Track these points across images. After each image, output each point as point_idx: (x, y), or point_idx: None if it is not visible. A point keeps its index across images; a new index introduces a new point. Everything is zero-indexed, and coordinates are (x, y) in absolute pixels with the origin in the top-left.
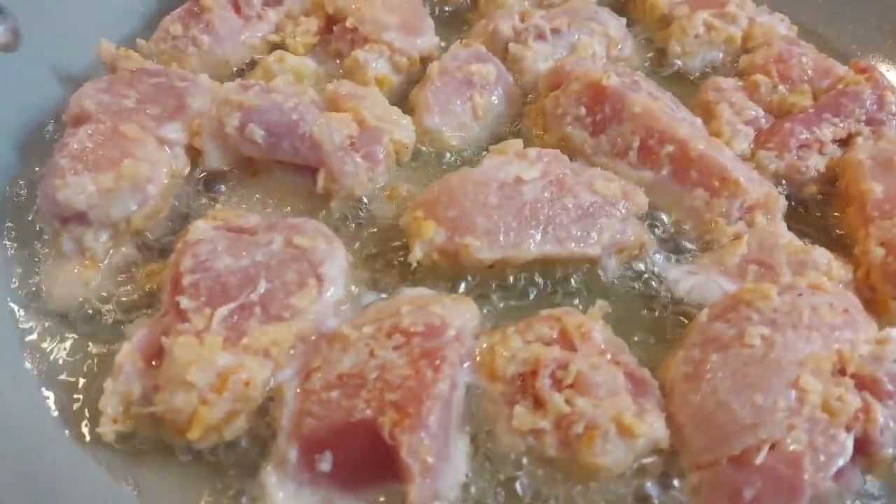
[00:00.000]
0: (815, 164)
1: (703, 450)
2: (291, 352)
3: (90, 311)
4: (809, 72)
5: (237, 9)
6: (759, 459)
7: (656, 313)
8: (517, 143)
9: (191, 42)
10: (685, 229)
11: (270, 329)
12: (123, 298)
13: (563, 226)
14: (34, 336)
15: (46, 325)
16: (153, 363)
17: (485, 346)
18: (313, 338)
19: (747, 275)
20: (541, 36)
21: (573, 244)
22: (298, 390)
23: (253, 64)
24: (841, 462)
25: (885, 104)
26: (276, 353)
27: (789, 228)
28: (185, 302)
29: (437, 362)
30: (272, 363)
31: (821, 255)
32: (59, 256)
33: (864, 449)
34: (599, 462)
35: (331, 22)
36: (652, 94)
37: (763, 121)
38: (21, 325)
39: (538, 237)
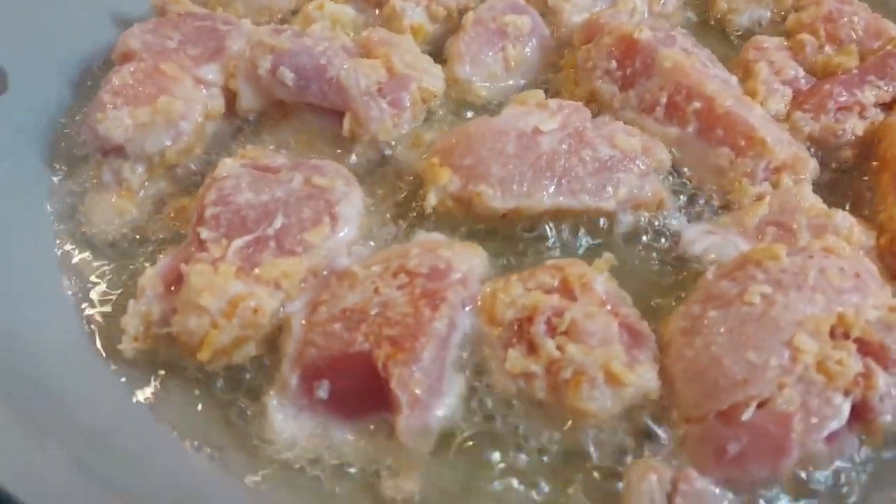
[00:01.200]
0: (853, 127)
1: (693, 404)
2: (302, 285)
3: (124, 239)
4: (860, 32)
5: None
6: (747, 416)
7: (668, 270)
8: (538, 94)
9: None
10: (708, 188)
11: (282, 262)
12: (156, 228)
13: (578, 178)
14: (74, 259)
15: (84, 249)
16: (172, 288)
17: (489, 293)
18: (325, 273)
19: (765, 236)
20: None
21: (587, 197)
22: (304, 321)
23: (296, 12)
24: (834, 425)
25: None
26: (287, 284)
27: (819, 192)
28: (204, 232)
29: (437, 302)
30: (282, 294)
31: (842, 219)
32: (100, 187)
33: (861, 415)
34: (585, 407)
35: None
36: (687, 49)
37: (803, 81)
38: (63, 248)
39: (552, 188)
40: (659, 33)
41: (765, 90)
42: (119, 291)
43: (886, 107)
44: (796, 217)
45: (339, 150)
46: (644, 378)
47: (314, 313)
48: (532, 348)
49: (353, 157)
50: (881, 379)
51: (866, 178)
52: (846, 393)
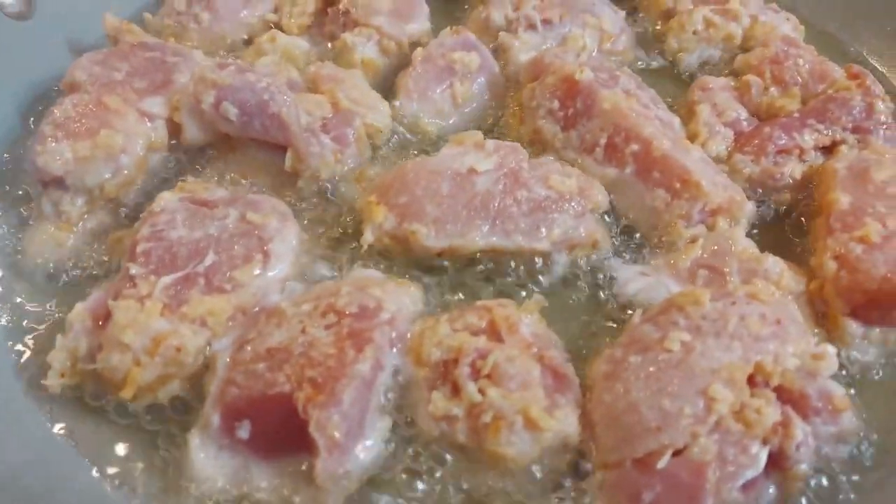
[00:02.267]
0: (792, 171)
1: (610, 449)
2: (230, 323)
3: (60, 271)
4: (805, 75)
5: None
6: (661, 464)
7: (602, 311)
8: (476, 135)
9: (192, 18)
10: (644, 229)
11: (209, 300)
12: (92, 262)
13: (511, 218)
14: (9, 291)
15: (21, 281)
16: (101, 324)
17: (417, 333)
18: (256, 310)
19: (696, 279)
20: (531, 26)
21: (520, 237)
22: (229, 360)
23: (250, 42)
24: (750, 474)
25: (874, 113)
26: (213, 322)
27: (756, 236)
28: (134, 268)
29: (362, 343)
30: (208, 332)
31: (773, 264)
32: (39, 217)
33: (778, 463)
34: (504, 452)
35: (327, 4)
36: (629, 90)
37: (745, 123)
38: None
39: (486, 228)
40: (602, 74)
41: (706, 132)
42: (48, 325)
43: (826, 150)
44: (728, 261)
45: (282, 185)
46: (563, 423)
47: (239, 352)
48: (455, 391)
49: (298, 192)
50: (798, 427)
51: (803, 219)
52: (764, 442)
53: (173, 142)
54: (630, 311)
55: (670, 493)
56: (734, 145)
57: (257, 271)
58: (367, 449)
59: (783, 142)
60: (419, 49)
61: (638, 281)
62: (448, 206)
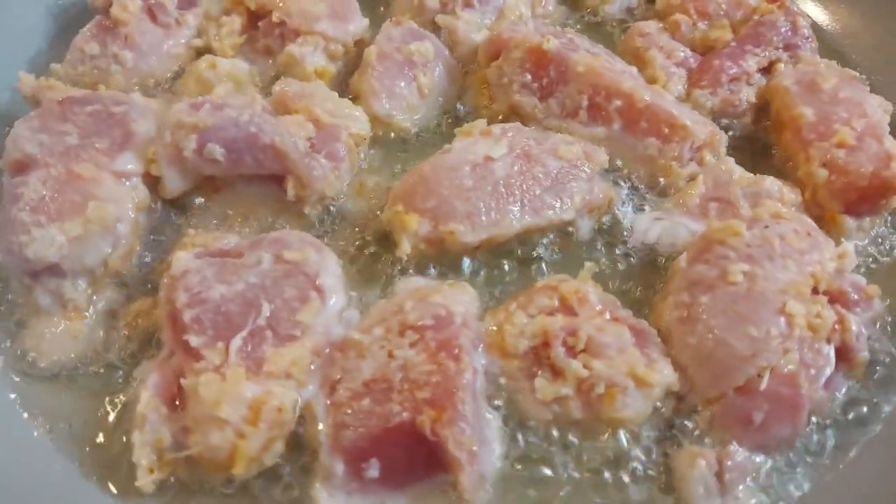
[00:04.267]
0: (747, 95)
1: (709, 386)
2: (312, 367)
3: (84, 364)
4: (724, 6)
5: (153, 17)
6: (763, 385)
7: (632, 263)
8: (480, 123)
9: (112, 60)
10: (643, 178)
11: (286, 350)
12: (118, 344)
13: (537, 196)
14: (34, 401)
15: (44, 387)
16: (176, 405)
17: (492, 326)
18: (327, 350)
19: (709, 212)
20: (468, 4)
21: (550, 212)
22: (328, 403)
23: (180, 73)
24: (828, 372)
25: (798, 28)
26: (297, 372)
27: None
28: (194, 340)
29: (455, 352)
30: (295, 383)
31: (770, 183)
32: (38, 313)
33: (844, 356)
34: (622, 416)
35: (254, 18)
36: (589, 50)
37: (692, 60)
38: (14, 393)
39: (517, 211)
40: (562, 39)
41: (664, 75)
42: (104, 422)
43: (765, 70)
44: (731, 190)
45: (282, 215)
46: (665, 374)
47: (334, 394)
48: (556, 372)
49: (303, 219)
50: (852, 321)
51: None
52: (829, 341)
53: (153, 197)
54: (653, 256)
55: (776, 408)
56: (689, 83)
57: (318, 309)
58: (494, 451)
59: (734, 70)
60: (371, 48)
61: (655, 226)
62: (476, 198)
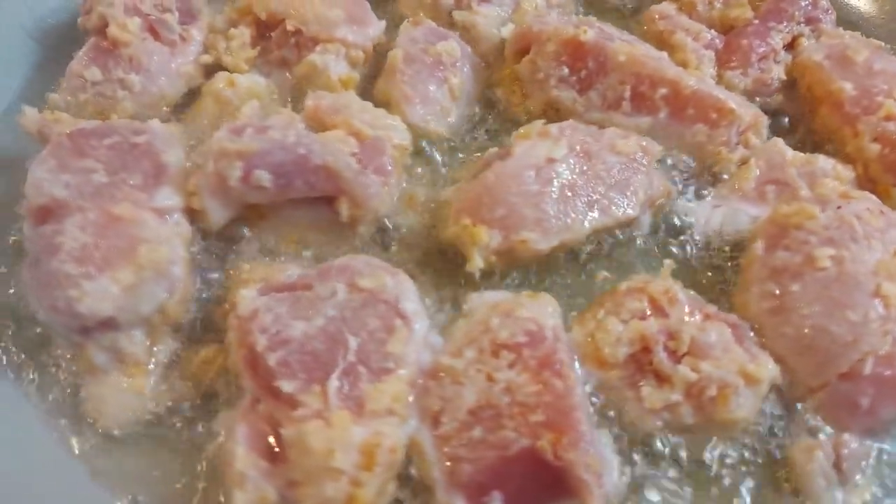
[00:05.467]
0: (778, 73)
1: (812, 375)
2: (410, 400)
3: (155, 423)
4: None
5: (156, 35)
6: (868, 370)
7: (698, 254)
8: (537, 124)
9: (118, 85)
10: (693, 166)
11: (384, 385)
12: (187, 396)
13: (603, 194)
14: (108, 472)
15: (116, 453)
16: (274, 457)
17: (585, 337)
18: (420, 380)
19: (767, 195)
20: None
21: (616, 210)
22: (434, 437)
23: (192, 93)
24: None
25: (818, 1)
26: (399, 408)
27: None
28: (286, 386)
29: (558, 367)
30: (398, 419)
31: (823, 161)
32: (93, 372)
33: None
34: (736, 416)
35: (263, 28)
36: (620, 38)
37: (718, 41)
38: (84, 465)
39: (586, 212)
40: (593, 28)
41: (695, 58)
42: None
43: (788, 46)
44: (787, 171)
45: (336, 238)
46: (769, 368)
47: (438, 427)
48: (662, 378)
49: (358, 239)
50: None
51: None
52: None
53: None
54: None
55: (882, 391)
56: (718, 64)
57: (406, 337)
58: (614, 468)
59: (763, 49)
60: (395, 51)
61: (716, 214)
62: (544, 203)
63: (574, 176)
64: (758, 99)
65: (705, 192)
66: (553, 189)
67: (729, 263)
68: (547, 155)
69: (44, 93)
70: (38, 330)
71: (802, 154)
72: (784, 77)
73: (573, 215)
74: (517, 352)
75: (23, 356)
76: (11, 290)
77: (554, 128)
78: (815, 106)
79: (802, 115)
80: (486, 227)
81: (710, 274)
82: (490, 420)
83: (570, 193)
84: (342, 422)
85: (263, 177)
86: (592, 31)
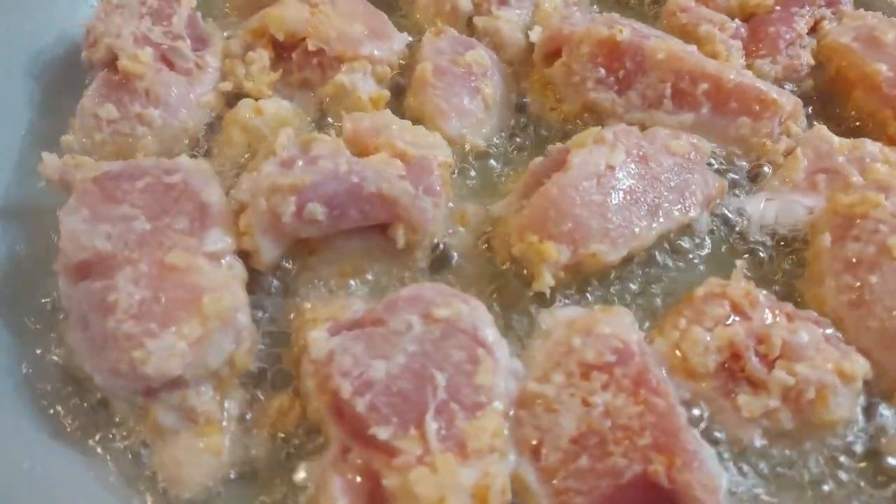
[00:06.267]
0: (806, 58)
1: None
2: (506, 433)
3: (242, 481)
4: None
5: (170, 65)
6: None
7: (755, 250)
8: (592, 131)
9: (137, 121)
10: (738, 159)
11: (481, 422)
12: (265, 450)
13: (665, 198)
14: None
15: None
16: None
17: (670, 349)
18: (511, 411)
19: (818, 185)
20: (503, 2)
21: (677, 213)
22: (536, 470)
23: (214, 124)
24: None
25: None
26: (500, 443)
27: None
28: (382, 433)
29: (655, 384)
30: (499, 455)
31: (870, 144)
32: (162, 435)
33: None
34: (836, 417)
35: (280, 49)
36: (657, 36)
37: (742, 30)
38: None
39: (650, 218)
40: (626, 27)
41: (724, 50)
42: None
43: (811, 31)
44: (835, 158)
45: (390, 266)
46: (861, 363)
47: (540, 459)
48: (756, 385)
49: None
50: None
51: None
52: None
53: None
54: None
55: None
56: (745, 54)
57: (492, 367)
58: (723, 484)
59: (790, 35)
60: (424, 64)
61: (770, 207)
62: (609, 213)
63: (634, 181)
64: (787, 86)
65: (754, 186)
66: (616, 197)
67: (791, 258)
68: (606, 162)
69: (52, 135)
70: (99, 395)
71: (848, 140)
72: (812, 62)
73: (638, 222)
74: (608, 372)
75: (84, 420)
76: (58, 350)
77: (608, 133)
78: (848, 89)
79: (831, 99)
80: (554, 242)
81: (773, 270)
82: (596, 448)
83: (632, 200)
84: (448, 466)
85: (317, 210)
86: (627, 29)
